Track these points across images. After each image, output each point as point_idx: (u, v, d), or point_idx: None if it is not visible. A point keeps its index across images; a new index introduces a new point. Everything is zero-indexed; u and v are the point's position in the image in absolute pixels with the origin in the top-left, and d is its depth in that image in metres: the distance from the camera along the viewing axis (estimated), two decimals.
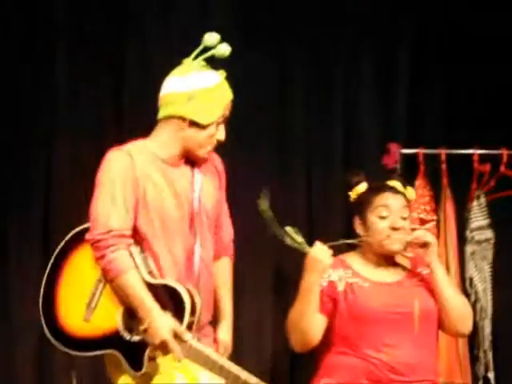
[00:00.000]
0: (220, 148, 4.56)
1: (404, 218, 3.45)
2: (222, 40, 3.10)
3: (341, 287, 3.41)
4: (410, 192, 3.60)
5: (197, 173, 3.09)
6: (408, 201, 3.51)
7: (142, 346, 2.94)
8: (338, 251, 3.52)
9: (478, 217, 4.67)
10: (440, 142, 4.74)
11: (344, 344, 3.37)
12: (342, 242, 3.47)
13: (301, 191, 4.85)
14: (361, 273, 3.45)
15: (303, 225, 4.80)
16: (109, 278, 2.95)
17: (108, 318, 3.00)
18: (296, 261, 4.68)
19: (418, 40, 5.04)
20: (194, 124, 3.02)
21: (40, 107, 4.61)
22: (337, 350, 3.39)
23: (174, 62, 3.15)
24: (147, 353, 2.93)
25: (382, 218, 3.45)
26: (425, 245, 3.42)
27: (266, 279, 4.72)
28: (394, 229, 3.42)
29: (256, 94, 4.81)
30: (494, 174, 4.64)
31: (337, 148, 4.90)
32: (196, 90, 3.02)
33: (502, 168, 4.65)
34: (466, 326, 3.52)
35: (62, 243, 3.12)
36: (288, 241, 3.27)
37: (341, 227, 4.60)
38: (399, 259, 3.54)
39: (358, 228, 3.51)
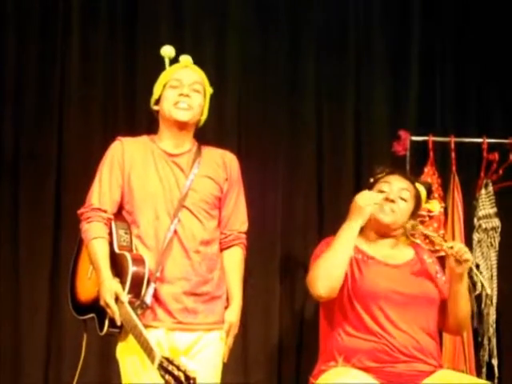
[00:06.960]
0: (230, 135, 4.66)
1: (403, 199, 3.50)
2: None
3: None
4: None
5: (197, 163, 3.40)
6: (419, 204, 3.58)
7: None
8: None
9: (486, 205, 4.68)
10: (450, 130, 4.76)
11: (347, 325, 3.38)
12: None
13: (311, 177, 4.89)
14: (365, 250, 3.49)
15: (313, 211, 4.85)
16: (85, 245, 3.35)
17: (96, 288, 3.29)
18: (303, 243, 4.74)
19: (430, 26, 5.07)
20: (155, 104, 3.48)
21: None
22: (341, 331, 3.39)
23: None
24: (108, 316, 3.20)
25: (381, 191, 3.52)
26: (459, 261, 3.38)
27: (273, 261, 4.75)
28: (388, 199, 3.48)
29: (267, 78, 4.88)
30: (502, 163, 4.64)
31: (347, 134, 4.93)
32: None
33: (511, 157, 4.65)
34: (466, 330, 3.59)
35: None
36: None
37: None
38: (404, 245, 3.57)
39: None
